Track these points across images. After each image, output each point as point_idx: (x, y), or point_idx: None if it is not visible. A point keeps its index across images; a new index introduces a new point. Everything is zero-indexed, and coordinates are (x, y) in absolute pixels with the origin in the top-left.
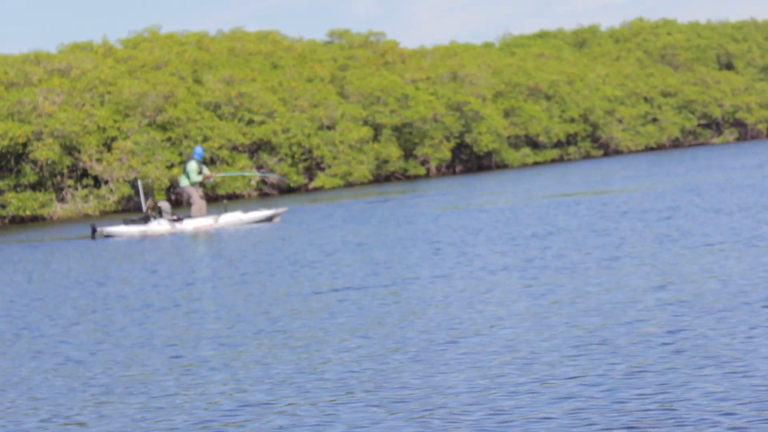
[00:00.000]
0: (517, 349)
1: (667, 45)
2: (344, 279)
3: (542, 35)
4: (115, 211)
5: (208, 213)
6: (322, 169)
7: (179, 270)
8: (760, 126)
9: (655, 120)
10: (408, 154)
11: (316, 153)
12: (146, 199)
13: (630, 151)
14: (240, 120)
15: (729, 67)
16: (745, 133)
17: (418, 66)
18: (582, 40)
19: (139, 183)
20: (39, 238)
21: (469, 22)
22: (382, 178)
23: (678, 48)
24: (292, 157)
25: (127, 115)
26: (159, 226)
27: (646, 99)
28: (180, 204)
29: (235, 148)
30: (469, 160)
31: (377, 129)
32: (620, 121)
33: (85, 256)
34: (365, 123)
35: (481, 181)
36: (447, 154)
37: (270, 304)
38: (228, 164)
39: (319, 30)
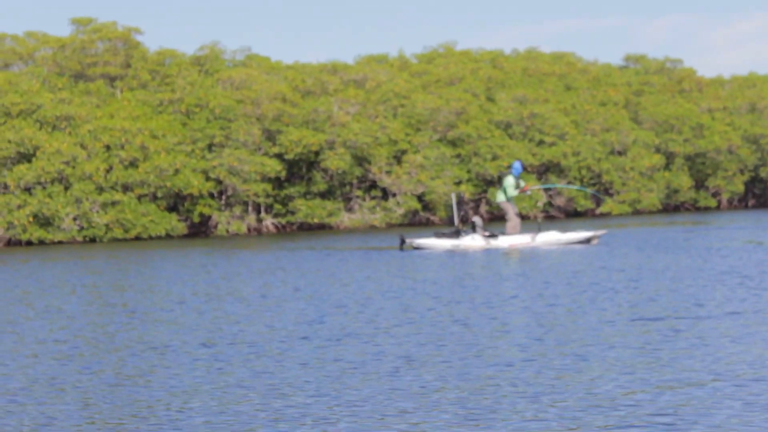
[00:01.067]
0: None
1: None
2: (658, 307)
3: None
4: (401, 225)
5: (523, 231)
6: (611, 195)
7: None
8: None
9: None
10: (699, 184)
11: (605, 178)
12: (459, 212)
13: None
14: (530, 140)
15: None
16: None
17: (714, 95)
18: None
19: (454, 196)
20: (342, 246)
21: (767, 53)
22: (671, 207)
23: None
24: (581, 180)
25: (418, 129)
26: (473, 241)
27: None
28: (492, 220)
29: (524, 168)
30: (763, 195)
31: (669, 157)
32: None
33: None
34: (657, 150)
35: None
36: (740, 187)
37: (572, 329)
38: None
39: (614, 54)
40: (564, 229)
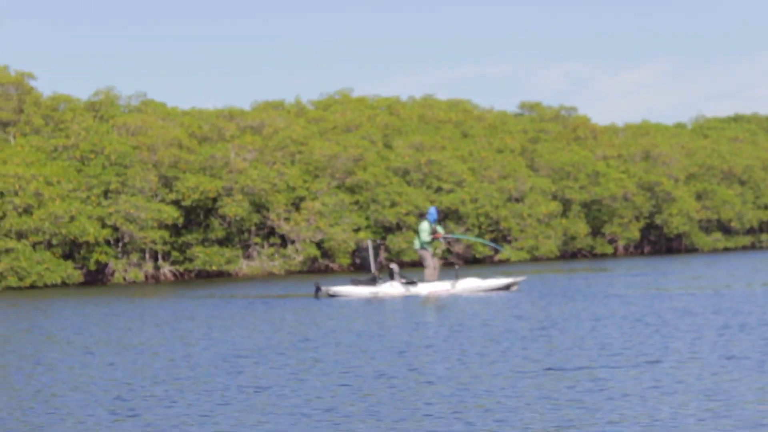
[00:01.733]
0: None
1: None
2: (581, 356)
3: (736, 119)
4: (300, 272)
5: (441, 278)
6: (509, 242)
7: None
8: None
9: None
10: (595, 231)
11: (503, 225)
12: (375, 259)
13: None
14: (428, 187)
15: None
16: None
17: (609, 143)
18: None
19: (369, 243)
20: (258, 294)
21: (659, 101)
22: (568, 254)
23: None
24: (479, 227)
25: (316, 176)
26: (392, 288)
27: None
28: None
29: (422, 215)
30: (658, 242)
31: (566, 204)
32: None
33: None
34: (554, 197)
35: (673, 264)
36: (636, 234)
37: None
38: (414, 231)
39: (509, 101)
40: (483, 276)
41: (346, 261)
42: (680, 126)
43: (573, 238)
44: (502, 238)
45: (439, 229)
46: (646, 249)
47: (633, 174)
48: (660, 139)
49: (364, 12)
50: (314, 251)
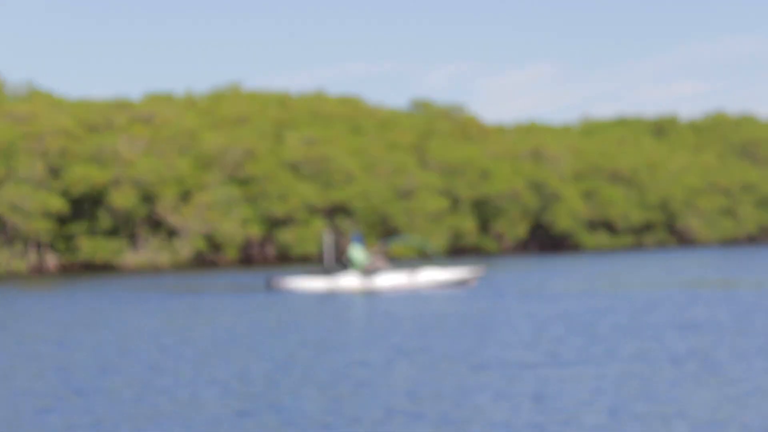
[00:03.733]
0: None
1: (749, 140)
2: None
3: (621, 121)
4: (188, 265)
5: (400, 270)
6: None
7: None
8: None
9: (732, 214)
10: (483, 228)
11: (392, 221)
12: (332, 252)
13: (705, 244)
14: (319, 182)
15: None
16: None
17: (498, 141)
18: (661, 128)
19: (326, 234)
20: (199, 286)
21: (545, 102)
22: (455, 250)
23: (760, 143)
24: (368, 223)
25: (206, 168)
26: (348, 281)
27: (725, 192)
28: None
29: (311, 210)
30: (544, 240)
31: (455, 201)
32: (698, 212)
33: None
34: (443, 194)
35: (564, 264)
36: (523, 232)
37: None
38: (303, 225)
39: (399, 98)
40: (443, 268)
41: (234, 254)
42: (567, 127)
43: (461, 234)
44: (391, 234)
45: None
46: (533, 247)
47: (521, 172)
48: (548, 139)
49: (254, 5)
50: (202, 244)
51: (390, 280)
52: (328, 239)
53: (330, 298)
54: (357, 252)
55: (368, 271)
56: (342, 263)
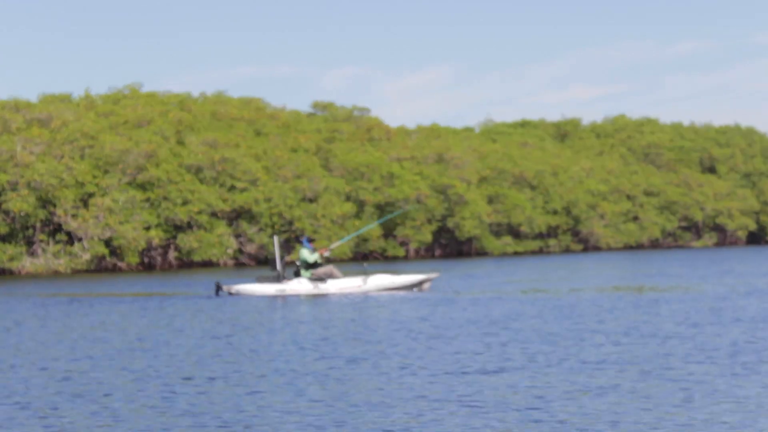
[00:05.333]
0: None
1: (651, 144)
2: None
3: (524, 124)
4: (87, 270)
5: (351, 275)
6: (301, 242)
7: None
8: (739, 233)
9: (636, 218)
10: (388, 233)
11: (297, 225)
12: (282, 256)
13: (609, 248)
14: (222, 185)
15: (712, 170)
16: (724, 239)
17: (403, 144)
18: (564, 132)
19: (276, 239)
20: (153, 291)
21: (446, 105)
22: (360, 255)
23: (662, 148)
24: (272, 227)
25: (107, 171)
26: (299, 285)
27: (628, 196)
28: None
29: (214, 214)
30: (449, 245)
31: (360, 205)
32: (602, 216)
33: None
34: (348, 198)
35: (470, 268)
36: (428, 237)
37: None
38: (206, 230)
39: (300, 101)
40: (395, 273)
41: (135, 260)
42: (469, 130)
43: (366, 239)
44: (295, 238)
45: (315, 257)
46: (438, 252)
47: (426, 176)
48: (452, 142)
49: (153, 7)
50: (102, 249)
51: (341, 285)
52: (277, 244)
53: (278, 302)
54: (307, 255)
55: (320, 276)
56: (294, 268)
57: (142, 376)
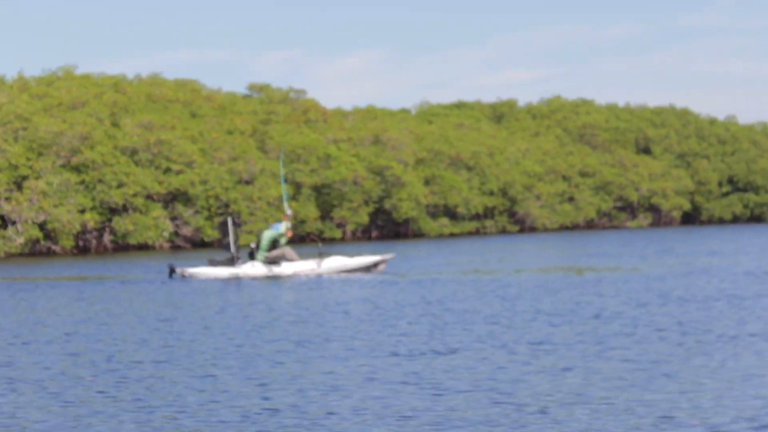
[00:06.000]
0: None
1: (586, 125)
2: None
3: (459, 105)
4: (21, 254)
5: (305, 257)
6: (238, 225)
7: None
8: (674, 213)
9: (572, 199)
10: (325, 215)
11: (233, 207)
12: (235, 238)
13: (545, 229)
14: (157, 168)
15: (647, 151)
16: (659, 219)
17: (340, 126)
18: (500, 113)
19: (229, 221)
20: (111, 274)
21: (381, 87)
22: (297, 238)
23: (597, 128)
24: (209, 209)
25: (40, 154)
26: (253, 268)
27: (564, 177)
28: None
29: (149, 197)
30: (386, 226)
31: (296, 187)
32: (538, 197)
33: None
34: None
35: (409, 249)
36: (365, 219)
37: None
38: (141, 212)
39: (236, 83)
40: (349, 254)
41: (69, 243)
42: (405, 111)
43: (303, 221)
44: (233, 222)
45: (284, 226)
46: (374, 233)
47: (363, 158)
48: (388, 124)
49: None
50: (37, 233)
51: (296, 266)
52: (231, 225)
53: (232, 284)
54: (267, 238)
55: (274, 259)
56: (249, 250)
57: (106, 358)
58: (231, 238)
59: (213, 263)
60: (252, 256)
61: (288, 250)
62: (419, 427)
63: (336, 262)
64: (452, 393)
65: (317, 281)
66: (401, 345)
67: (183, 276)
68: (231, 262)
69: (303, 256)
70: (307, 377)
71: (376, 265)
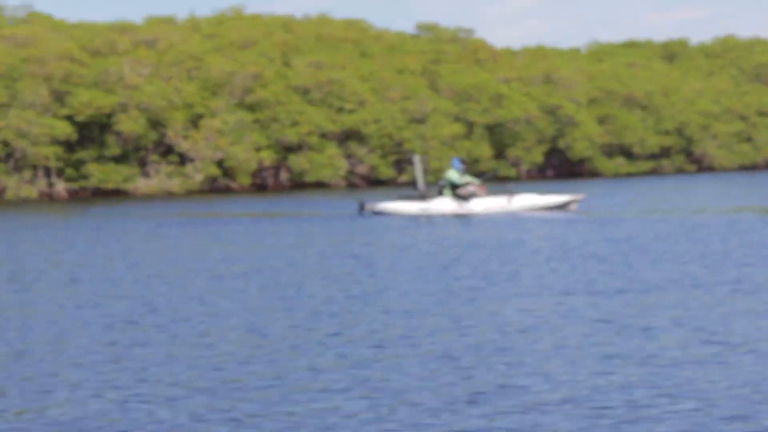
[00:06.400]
0: None
1: (762, 64)
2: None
3: (630, 45)
4: (201, 191)
5: (497, 194)
6: (411, 164)
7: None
8: None
9: (749, 139)
10: (499, 154)
11: (406, 146)
12: (425, 175)
13: (723, 169)
14: (330, 107)
15: None
16: None
17: (510, 65)
18: (671, 53)
19: (417, 158)
20: (290, 211)
21: (550, 26)
22: (472, 176)
23: None
24: (382, 148)
25: (215, 93)
26: (443, 204)
27: (741, 117)
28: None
29: (324, 135)
30: (561, 166)
31: (469, 127)
32: (715, 137)
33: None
34: (457, 119)
35: (586, 188)
36: (539, 158)
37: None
38: (316, 151)
39: (403, 22)
40: (540, 192)
41: (247, 181)
42: (575, 50)
43: (477, 160)
44: (405, 159)
45: (467, 178)
46: (550, 173)
47: (535, 97)
48: (559, 63)
49: None
50: (215, 170)
51: (486, 204)
52: (418, 163)
53: (423, 221)
54: (454, 176)
55: (463, 195)
56: (437, 187)
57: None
58: (419, 175)
59: (403, 198)
60: (440, 193)
61: (479, 187)
62: (630, 367)
63: (527, 200)
64: (658, 332)
65: (508, 218)
66: (597, 283)
67: (373, 212)
68: (421, 197)
69: (493, 193)
70: (503, 315)
71: (567, 204)
